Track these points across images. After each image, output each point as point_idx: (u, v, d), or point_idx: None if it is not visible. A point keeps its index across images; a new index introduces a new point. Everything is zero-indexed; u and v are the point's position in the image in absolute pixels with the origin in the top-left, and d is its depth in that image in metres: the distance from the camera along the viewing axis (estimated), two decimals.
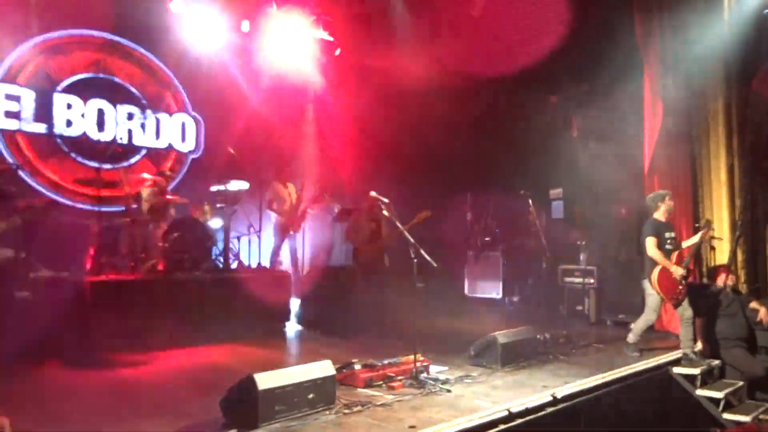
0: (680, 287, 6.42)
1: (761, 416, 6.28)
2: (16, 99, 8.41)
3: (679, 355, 6.59)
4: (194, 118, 10.37)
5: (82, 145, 8.99)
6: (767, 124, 8.35)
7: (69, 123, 8.94)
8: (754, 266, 8.11)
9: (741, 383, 6.58)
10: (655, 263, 6.40)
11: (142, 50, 9.86)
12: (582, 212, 10.25)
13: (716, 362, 6.78)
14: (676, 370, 6.43)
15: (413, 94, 10.56)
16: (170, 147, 10.05)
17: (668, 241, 6.54)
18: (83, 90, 9.10)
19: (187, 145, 10.25)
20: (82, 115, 9.04)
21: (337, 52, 11.26)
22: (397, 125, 11.01)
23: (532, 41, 9.60)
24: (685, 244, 6.83)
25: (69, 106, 8.95)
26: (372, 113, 11.05)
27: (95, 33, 9.33)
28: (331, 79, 11.52)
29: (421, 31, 10.31)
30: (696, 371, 6.34)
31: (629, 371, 6.01)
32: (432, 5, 10.50)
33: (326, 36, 11.11)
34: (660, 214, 6.61)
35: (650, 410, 6.04)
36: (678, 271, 6.36)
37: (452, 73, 10.30)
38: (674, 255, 6.48)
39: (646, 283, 6.62)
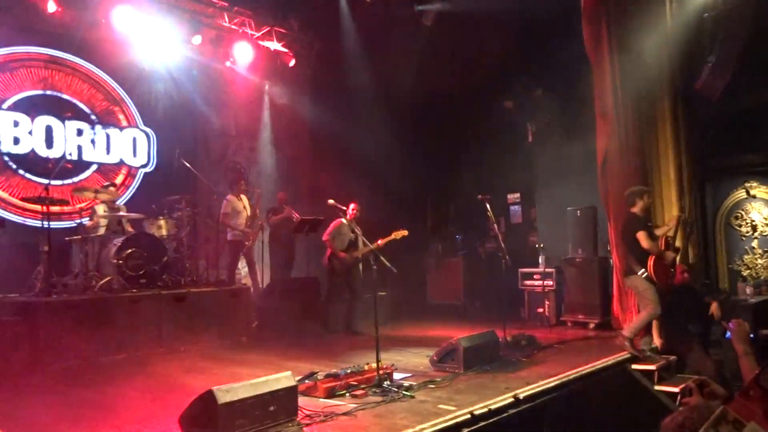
0: (671, 271, 6.53)
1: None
2: None
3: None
4: (145, 133, 10.25)
5: (31, 162, 8.82)
6: (713, 124, 8.62)
7: (16, 140, 8.78)
8: (705, 262, 8.35)
9: (695, 377, 6.73)
10: (645, 256, 6.44)
11: (89, 66, 9.72)
12: (539, 215, 10.42)
13: (672, 358, 6.92)
14: (635, 366, 6.55)
15: (368, 103, 10.61)
16: (121, 162, 9.93)
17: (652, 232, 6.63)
18: (30, 107, 8.95)
19: (138, 160, 10.12)
20: (30, 133, 8.87)
21: (292, 63, 11.25)
22: (353, 134, 11.04)
23: (485, 51, 9.75)
24: (658, 233, 6.90)
25: (16, 124, 8.80)
26: (328, 123, 11.07)
27: (40, 50, 9.17)
28: (286, 90, 11.50)
29: (374, 42, 10.35)
30: (653, 367, 6.46)
31: (588, 369, 6.09)
32: (383, 18, 10.56)
33: (280, 47, 11.09)
34: (638, 210, 6.65)
35: (611, 406, 6.12)
36: (670, 255, 6.47)
37: (407, 83, 10.39)
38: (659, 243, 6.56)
39: (636, 280, 6.52)
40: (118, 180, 9.80)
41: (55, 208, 7.56)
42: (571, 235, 9.19)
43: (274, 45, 11.00)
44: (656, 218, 8.04)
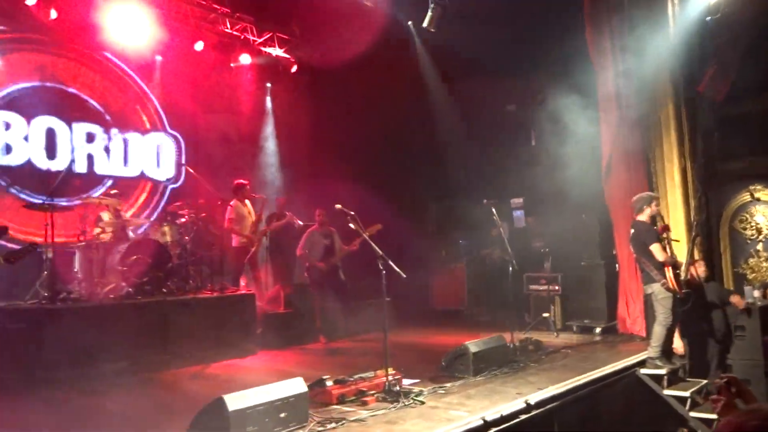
0: (682, 278, 6.48)
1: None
2: None
3: (645, 357, 6.65)
4: (174, 137, 8.86)
5: (27, 176, 7.36)
6: (717, 127, 8.62)
7: (8, 148, 7.31)
8: (711, 264, 8.32)
9: (705, 381, 6.70)
10: (662, 266, 6.33)
11: (104, 52, 8.09)
12: (538, 222, 10.37)
13: (681, 363, 6.86)
14: (643, 371, 6.51)
15: (369, 108, 10.57)
16: (143, 175, 8.49)
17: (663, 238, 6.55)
18: (26, 104, 7.41)
19: (163, 172, 8.64)
20: (26, 138, 7.37)
21: (294, 69, 11.23)
22: (355, 139, 11.02)
23: (487, 53, 9.74)
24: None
25: (7, 126, 7.27)
26: (330, 129, 11.04)
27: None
28: (287, 96, 11.48)
29: (376, 45, 10.30)
30: (662, 372, 6.42)
31: (598, 374, 6.07)
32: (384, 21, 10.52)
33: (282, 53, 11.08)
34: (645, 217, 6.55)
35: (620, 411, 6.10)
36: (680, 262, 6.44)
37: (410, 86, 10.38)
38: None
39: (656, 287, 6.35)
40: (141, 199, 8.54)
41: (59, 238, 6.79)
42: (576, 239, 9.16)
43: (276, 51, 10.99)
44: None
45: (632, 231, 6.66)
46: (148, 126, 8.68)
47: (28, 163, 7.53)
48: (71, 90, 7.84)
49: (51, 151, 7.74)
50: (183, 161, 8.98)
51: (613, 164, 8.58)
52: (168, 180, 8.74)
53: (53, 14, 8.01)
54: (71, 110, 7.79)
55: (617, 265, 8.58)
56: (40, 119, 7.63)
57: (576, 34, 8.78)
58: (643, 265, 6.47)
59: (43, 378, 5.81)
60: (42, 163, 7.63)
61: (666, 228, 6.73)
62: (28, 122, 7.52)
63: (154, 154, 8.60)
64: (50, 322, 6.21)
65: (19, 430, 4.54)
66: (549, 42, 9.24)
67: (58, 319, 6.26)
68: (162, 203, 8.77)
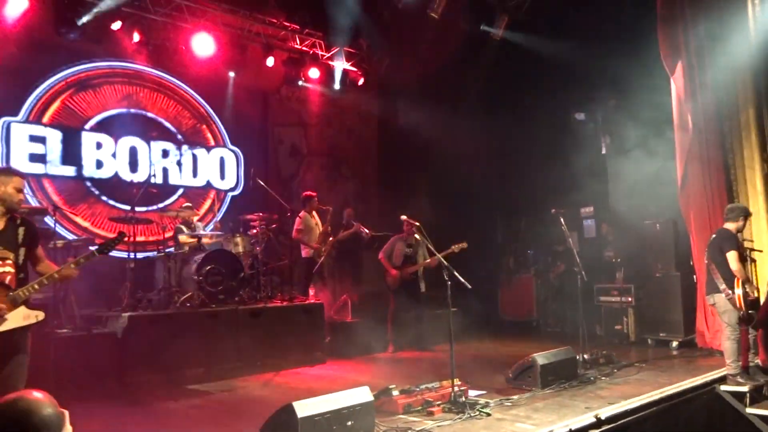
0: (750, 297, 6.18)
1: None
2: (41, 140, 7.83)
3: (725, 373, 6.35)
4: (234, 152, 9.94)
5: (114, 187, 8.48)
6: None
7: (99, 164, 8.45)
8: None
9: None
10: (733, 277, 6.06)
11: (175, 80, 9.32)
12: (611, 230, 10.09)
13: (765, 379, 6.50)
14: (724, 387, 6.20)
15: (434, 118, 10.60)
16: (209, 185, 9.60)
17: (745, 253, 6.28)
18: (114, 127, 8.56)
19: (227, 183, 9.78)
20: (113, 155, 8.57)
21: (360, 81, 11.42)
22: (421, 149, 11.06)
23: (555, 61, 9.61)
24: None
25: (99, 146, 8.44)
26: (396, 141, 11.16)
27: (124, 64, 8.70)
28: (355, 108, 11.68)
29: (443, 56, 10.34)
30: (745, 389, 6.10)
31: (674, 390, 5.83)
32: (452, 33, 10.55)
33: (349, 66, 11.29)
34: (731, 226, 6.28)
35: (699, 430, 5.83)
36: (753, 287, 6.16)
37: (475, 96, 10.37)
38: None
39: (719, 299, 6.13)
40: (206, 206, 9.55)
41: (140, 237, 7.72)
42: (650, 249, 8.85)
43: (344, 65, 11.21)
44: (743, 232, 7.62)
45: (713, 236, 6.41)
46: (212, 142, 9.74)
47: (116, 175, 8.64)
48: (150, 114, 9.06)
49: (133, 165, 8.86)
50: (242, 173, 9.99)
51: (690, 174, 8.25)
52: (230, 189, 9.88)
53: (136, 37, 8.69)
54: (150, 131, 8.95)
55: (695, 277, 8.24)
56: (125, 139, 8.77)
57: (647, 36, 8.51)
58: (713, 273, 6.19)
59: (125, 381, 6.14)
60: (126, 175, 8.73)
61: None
62: (116, 142, 8.67)
63: (217, 167, 9.68)
64: (130, 328, 6.53)
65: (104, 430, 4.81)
66: (618, 46, 9.01)
67: (138, 326, 6.58)
68: (224, 209, 9.77)
